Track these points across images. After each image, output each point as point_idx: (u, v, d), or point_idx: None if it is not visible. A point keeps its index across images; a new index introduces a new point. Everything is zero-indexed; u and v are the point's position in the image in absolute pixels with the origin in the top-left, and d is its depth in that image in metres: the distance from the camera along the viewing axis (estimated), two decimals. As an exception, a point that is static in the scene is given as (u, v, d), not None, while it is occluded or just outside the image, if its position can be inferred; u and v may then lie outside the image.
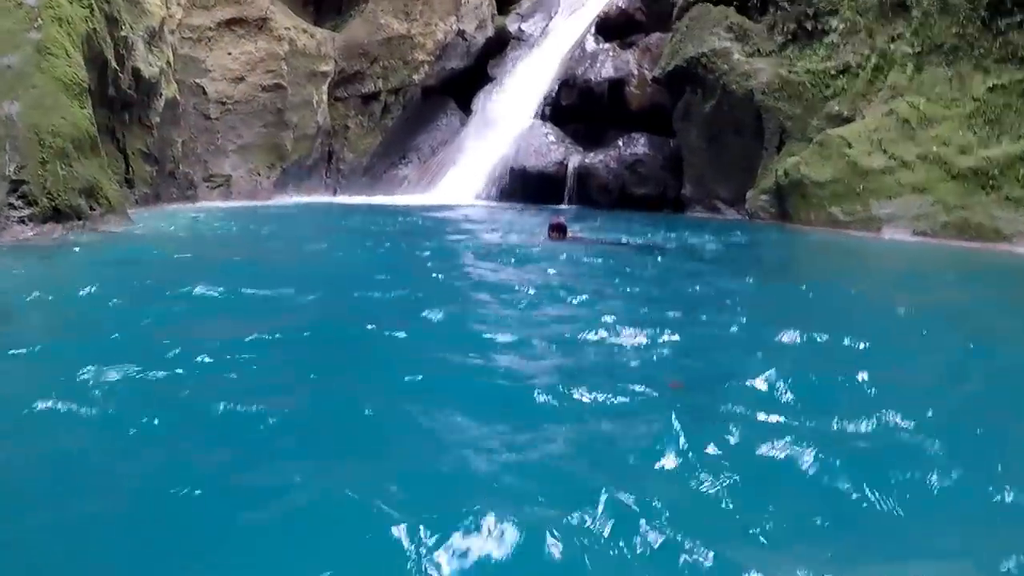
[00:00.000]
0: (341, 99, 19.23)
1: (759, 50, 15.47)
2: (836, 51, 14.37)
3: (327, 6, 20.22)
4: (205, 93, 17.32)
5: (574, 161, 19.06)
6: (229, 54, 17.43)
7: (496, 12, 20.92)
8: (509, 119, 19.80)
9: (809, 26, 14.74)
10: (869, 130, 13.19)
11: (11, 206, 9.77)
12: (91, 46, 12.33)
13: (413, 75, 19.60)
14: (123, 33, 13.84)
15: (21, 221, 9.72)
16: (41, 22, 11.47)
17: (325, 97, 18.77)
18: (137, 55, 14.28)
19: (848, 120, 13.93)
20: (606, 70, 19.05)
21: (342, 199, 18.81)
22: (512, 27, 20.48)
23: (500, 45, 20.58)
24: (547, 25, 20.31)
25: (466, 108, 20.63)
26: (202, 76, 17.31)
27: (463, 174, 19.80)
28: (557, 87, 19.66)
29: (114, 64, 13.39)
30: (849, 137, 13.25)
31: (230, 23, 17.61)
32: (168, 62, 15.73)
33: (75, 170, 10.59)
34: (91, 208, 10.67)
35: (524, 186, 19.01)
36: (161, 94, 15.20)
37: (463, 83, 20.54)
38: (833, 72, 14.26)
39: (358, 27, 19.43)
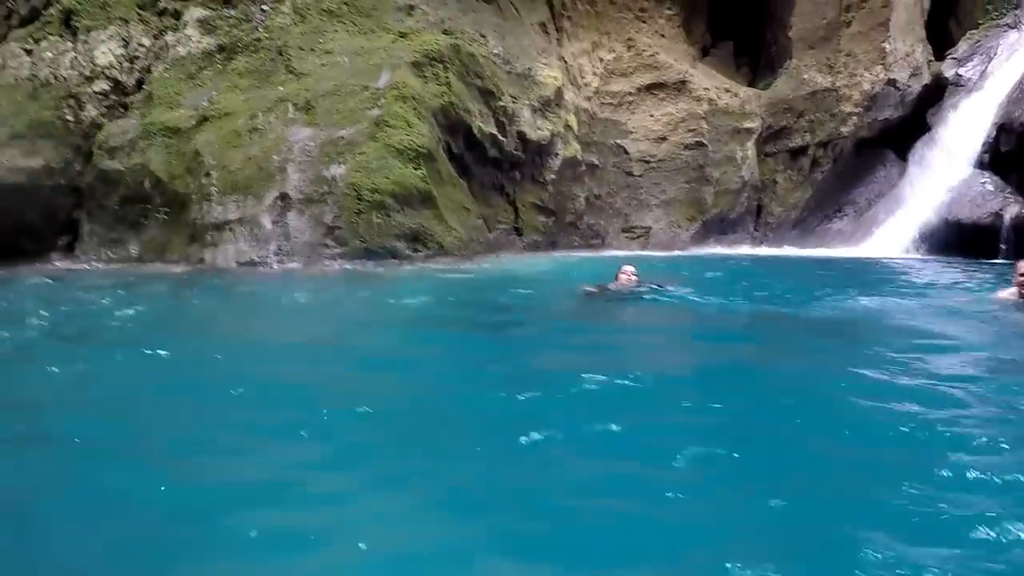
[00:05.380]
0: (770, 154, 20.41)
1: None
2: None
3: (763, 67, 21.71)
4: (627, 152, 19.28)
5: (1011, 212, 17.78)
6: (651, 116, 19.25)
7: (932, 58, 20.14)
8: (945, 168, 19.17)
9: None
10: None
11: (325, 246, 12.54)
12: (448, 116, 14.12)
13: (841, 127, 20.15)
14: (502, 103, 15.50)
15: (331, 258, 12.45)
16: (384, 101, 13.30)
17: (751, 153, 19.83)
18: (522, 121, 15.98)
19: None
20: (1046, 111, 17.22)
21: (764, 251, 19.52)
22: (949, 72, 19.56)
23: (938, 92, 19.86)
24: (986, 68, 18.87)
25: (906, 158, 20.39)
26: (623, 137, 19.27)
27: (896, 227, 19.79)
28: (995, 132, 18.37)
29: (490, 130, 15.09)
30: None
31: (650, 87, 19.38)
32: (567, 126, 17.38)
33: (394, 219, 12.71)
34: (415, 250, 13.00)
35: (955, 239, 18.29)
36: (557, 154, 16.99)
37: (902, 133, 20.33)
38: None
39: (783, 84, 20.43)
